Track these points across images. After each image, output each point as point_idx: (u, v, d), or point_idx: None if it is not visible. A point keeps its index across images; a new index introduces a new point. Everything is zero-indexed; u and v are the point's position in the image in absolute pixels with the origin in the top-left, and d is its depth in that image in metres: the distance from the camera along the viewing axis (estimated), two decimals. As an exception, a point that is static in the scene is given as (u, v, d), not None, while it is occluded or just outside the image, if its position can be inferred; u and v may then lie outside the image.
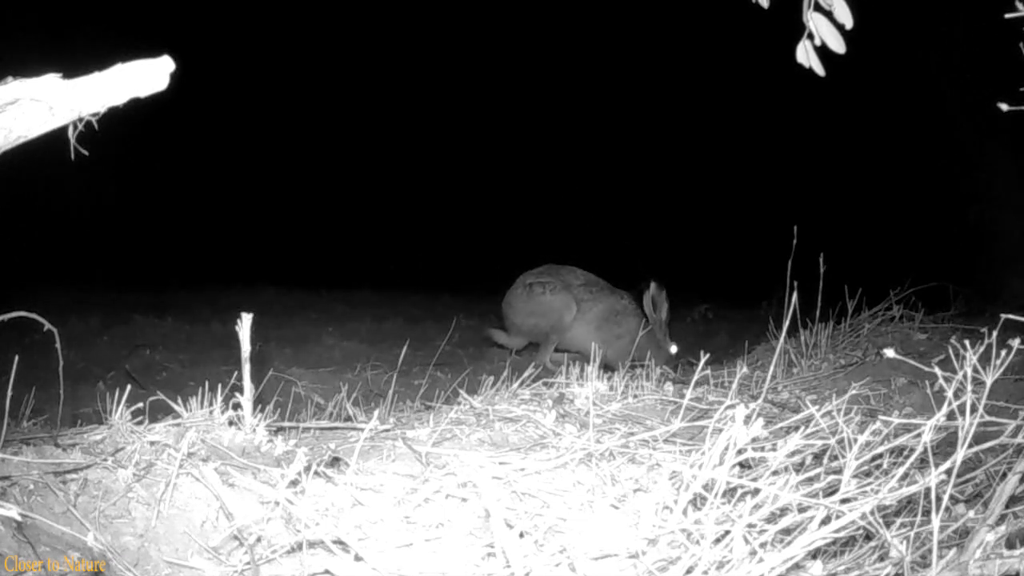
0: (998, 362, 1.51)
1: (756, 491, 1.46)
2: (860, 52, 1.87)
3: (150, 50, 1.58)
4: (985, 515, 1.54)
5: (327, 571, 1.52)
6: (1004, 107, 1.83)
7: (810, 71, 1.82)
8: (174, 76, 1.57)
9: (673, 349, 4.74)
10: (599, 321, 4.82)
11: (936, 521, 1.37)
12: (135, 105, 1.58)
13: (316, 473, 1.79)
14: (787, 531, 1.45)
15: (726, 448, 1.47)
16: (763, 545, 1.41)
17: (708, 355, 2.49)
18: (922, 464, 1.52)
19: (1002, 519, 1.55)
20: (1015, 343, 1.51)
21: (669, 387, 2.84)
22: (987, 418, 1.48)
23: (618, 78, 10.86)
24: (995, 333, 1.53)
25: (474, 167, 11.11)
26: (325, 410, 2.92)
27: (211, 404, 2.07)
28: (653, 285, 4.67)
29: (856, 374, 3.07)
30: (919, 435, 1.50)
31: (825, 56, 1.80)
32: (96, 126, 1.55)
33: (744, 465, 1.68)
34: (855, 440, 1.51)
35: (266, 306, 5.85)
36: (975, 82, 5.64)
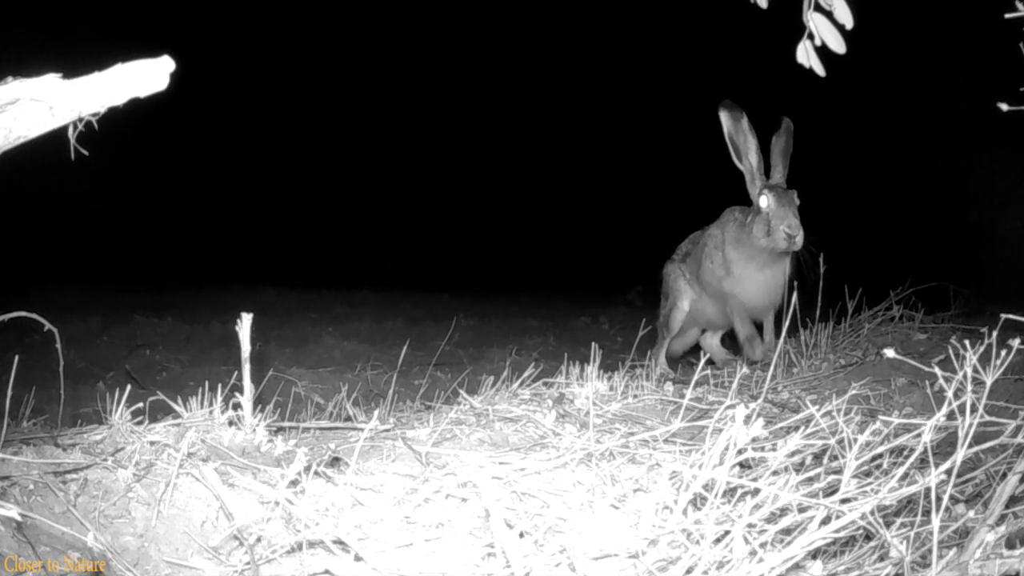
0: (998, 362, 1.51)
1: (756, 491, 1.46)
2: (860, 52, 1.87)
3: (150, 50, 1.58)
4: (985, 515, 1.54)
5: (327, 571, 1.52)
6: (1004, 107, 1.83)
7: (810, 71, 1.82)
8: (174, 76, 1.57)
9: (764, 202, 3.34)
10: (696, 268, 3.86)
11: (936, 521, 1.37)
12: (135, 105, 1.58)
13: (316, 473, 1.79)
14: (787, 531, 1.45)
15: (726, 448, 1.47)
16: (763, 545, 1.41)
17: (708, 355, 2.50)
18: (922, 464, 1.52)
19: (1002, 519, 1.55)
20: (1015, 343, 1.51)
21: (669, 387, 2.84)
22: (987, 418, 1.47)
23: (616, 78, 10.86)
24: (995, 333, 1.53)
25: (474, 167, 11.10)
26: (325, 410, 2.92)
27: (211, 404, 2.07)
28: (722, 112, 3.44)
29: (856, 374, 3.06)
30: (919, 435, 1.50)
31: (825, 56, 1.80)
32: (96, 126, 1.55)
33: (744, 465, 1.68)
34: (855, 440, 1.51)
35: (266, 306, 5.86)
36: (975, 82, 5.64)
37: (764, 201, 3.39)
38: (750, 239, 3.46)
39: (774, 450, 1.56)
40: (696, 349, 4.25)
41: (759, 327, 3.72)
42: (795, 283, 3.49)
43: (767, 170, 3.52)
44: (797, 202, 3.40)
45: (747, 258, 3.53)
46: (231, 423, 2.01)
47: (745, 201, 3.64)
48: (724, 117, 3.47)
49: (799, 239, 3.31)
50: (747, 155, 3.48)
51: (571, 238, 10.54)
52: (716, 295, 3.76)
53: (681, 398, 2.41)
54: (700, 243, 3.85)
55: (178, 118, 7.57)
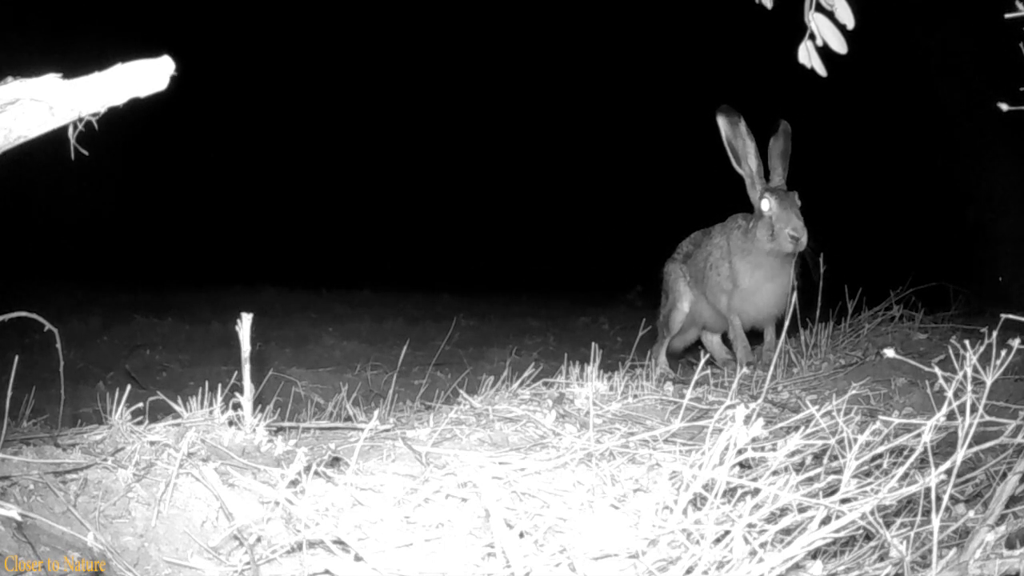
0: (998, 362, 1.51)
1: (756, 491, 1.46)
2: (861, 52, 1.87)
3: (150, 50, 1.58)
4: (985, 515, 1.54)
5: (327, 571, 1.52)
6: (1004, 107, 1.83)
7: (811, 71, 1.82)
8: (174, 76, 1.57)
9: (766, 205, 3.34)
10: (698, 275, 3.83)
11: (936, 521, 1.37)
12: (135, 105, 1.58)
13: (316, 473, 1.79)
14: (787, 531, 1.45)
15: (726, 448, 1.47)
16: (763, 545, 1.41)
17: (708, 355, 2.50)
18: (922, 464, 1.52)
19: (1002, 519, 1.55)
20: (1015, 343, 1.51)
21: (669, 387, 2.84)
22: (987, 418, 1.47)
23: (616, 77, 10.86)
24: (995, 333, 1.53)
25: (473, 167, 11.10)
26: (325, 410, 2.92)
27: (211, 404, 2.07)
28: (719, 117, 3.44)
29: (856, 374, 3.06)
30: (919, 435, 1.50)
31: (826, 56, 1.81)
32: (96, 126, 1.55)
33: (744, 465, 1.68)
34: (855, 440, 1.51)
35: (266, 306, 5.87)
36: (975, 82, 5.64)
37: (766, 204, 3.37)
38: (754, 244, 3.44)
39: (774, 450, 1.56)
40: (696, 348, 4.25)
41: (760, 333, 3.72)
42: (795, 284, 3.49)
43: (766, 173, 3.52)
44: (798, 203, 3.40)
45: (754, 266, 3.51)
46: (231, 423, 2.01)
47: (745, 201, 3.64)
48: (722, 122, 3.45)
49: (804, 240, 3.30)
50: (746, 159, 3.46)
51: (571, 238, 10.54)
52: (720, 310, 3.73)
53: (681, 398, 2.41)
54: (703, 248, 3.80)
55: (178, 118, 7.57)
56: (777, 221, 3.33)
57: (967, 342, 1.51)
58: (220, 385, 2.12)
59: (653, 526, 1.52)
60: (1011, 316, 1.64)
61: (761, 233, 3.39)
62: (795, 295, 3.16)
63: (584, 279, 9.11)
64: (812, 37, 1.79)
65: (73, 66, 1.56)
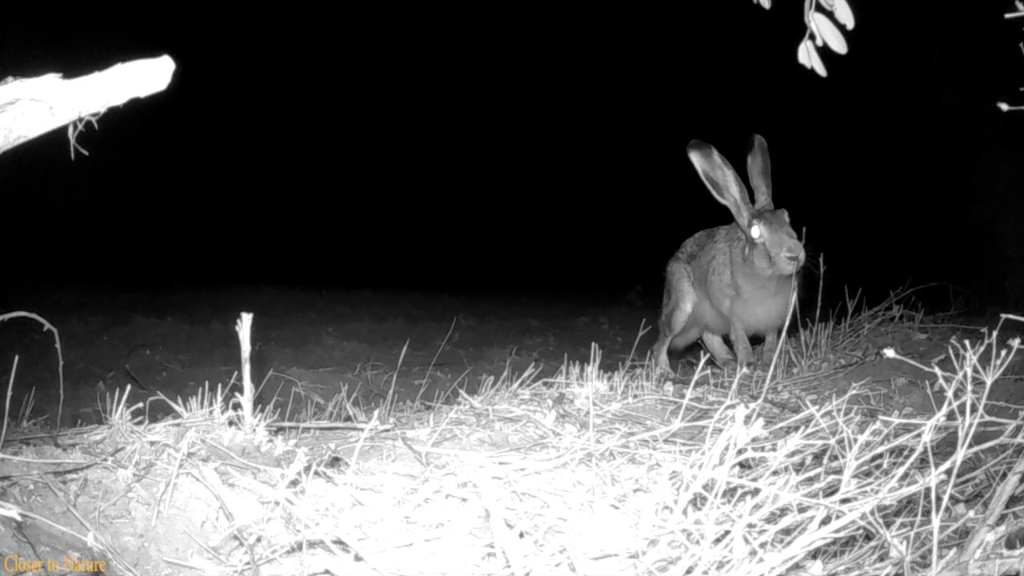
0: (998, 362, 1.51)
1: (756, 491, 1.46)
2: (860, 52, 1.87)
3: (150, 50, 1.58)
4: (985, 515, 1.54)
5: (327, 571, 1.52)
6: (1004, 107, 1.83)
7: (811, 71, 1.82)
8: (174, 76, 1.57)
9: (757, 232, 3.27)
10: (701, 277, 3.80)
11: (936, 521, 1.37)
12: (135, 105, 1.58)
13: (316, 473, 1.79)
14: (787, 531, 1.45)
15: (726, 448, 1.47)
16: (763, 545, 1.41)
17: (708, 355, 2.50)
18: (922, 464, 1.52)
19: (1002, 519, 1.55)
20: (1015, 343, 1.51)
21: (669, 387, 2.84)
22: (987, 418, 1.47)
23: (615, 77, 10.86)
24: (995, 333, 1.53)
25: (474, 168, 11.10)
26: (325, 410, 2.92)
27: (211, 404, 2.07)
28: (692, 154, 3.37)
29: (856, 374, 3.07)
30: (919, 435, 1.50)
31: (826, 56, 1.81)
32: (96, 126, 1.55)
33: (744, 465, 1.68)
34: (855, 440, 1.51)
35: (266, 306, 5.87)
36: (975, 82, 5.65)
37: (756, 231, 3.31)
38: (754, 270, 3.39)
39: (774, 450, 1.56)
40: (696, 348, 4.25)
41: (761, 339, 3.72)
42: (796, 283, 3.49)
43: (751, 192, 3.45)
44: (788, 220, 3.34)
45: (756, 287, 3.49)
46: (231, 423, 2.02)
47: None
48: (695, 157, 3.38)
49: (802, 256, 3.25)
50: (727, 188, 3.39)
51: (571, 238, 10.54)
52: (722, 312, 3.72)
53: (681, 398, 2.41)
54: (707, 250, 3.78)
55: (178, 118, 7.57)
56: (772, 247, 3.27)
57: (967, 342, 1.51)
58: (220, 385, 2.12)
59: (653, 526, 1.52)
60: (1011, 316, 1.64)
61: (759, 261, 3.33)
62: (795, 295, 3.16)
63: (584, 279, 9.10)
64: (812, 37, 1.79)
65: (73, 66, 1.56)
